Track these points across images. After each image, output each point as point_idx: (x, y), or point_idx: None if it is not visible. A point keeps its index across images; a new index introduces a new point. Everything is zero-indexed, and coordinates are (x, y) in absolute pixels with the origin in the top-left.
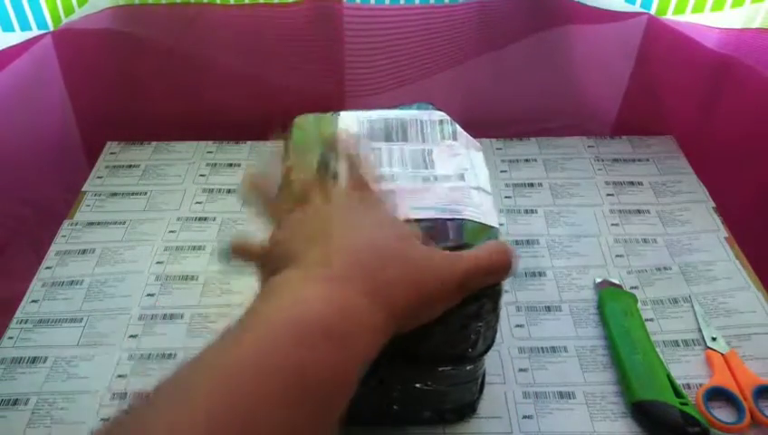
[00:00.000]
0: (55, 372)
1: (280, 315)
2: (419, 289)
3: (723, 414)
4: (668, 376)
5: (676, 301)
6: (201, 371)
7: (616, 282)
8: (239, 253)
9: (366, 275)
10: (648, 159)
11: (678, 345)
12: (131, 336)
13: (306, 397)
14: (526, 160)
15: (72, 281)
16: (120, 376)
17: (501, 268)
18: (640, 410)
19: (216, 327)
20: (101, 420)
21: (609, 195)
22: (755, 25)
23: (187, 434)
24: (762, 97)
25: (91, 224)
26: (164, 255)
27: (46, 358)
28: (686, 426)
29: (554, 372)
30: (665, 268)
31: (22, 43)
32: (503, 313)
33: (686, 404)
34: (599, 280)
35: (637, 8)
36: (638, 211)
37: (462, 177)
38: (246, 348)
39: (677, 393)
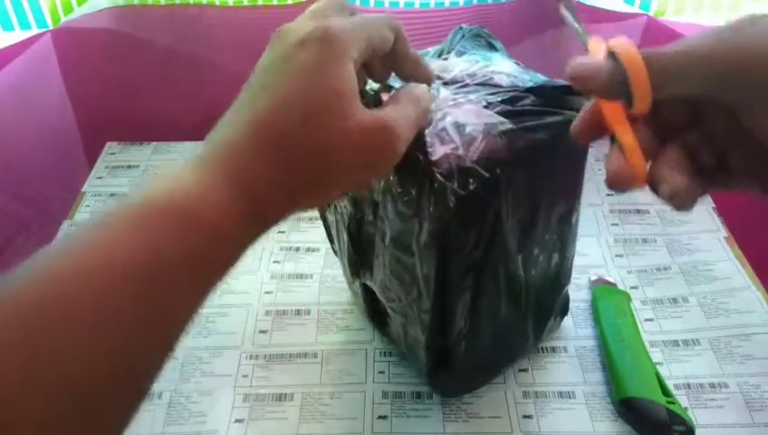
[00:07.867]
0: None
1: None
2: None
3: None
4: (657, 375)
5: (676, 301)
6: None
7: (611, 280)
8: None
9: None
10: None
11: (678, 345)
12: None
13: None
14: None
15: None
16: None
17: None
18: (627, 407)
19: (215, 328)
20: None
21: (608, 195)
22: None
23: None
24: None
25: None
26: None
27: None
28: (671, 424)
29: (554, 372)
30: (665, 268)
31: (21, 41)
32: None
33: (672, 403)
34: (594, 277)
35: (636, 9)
36: (638, 211)
37: None
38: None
39: (665, 392)
